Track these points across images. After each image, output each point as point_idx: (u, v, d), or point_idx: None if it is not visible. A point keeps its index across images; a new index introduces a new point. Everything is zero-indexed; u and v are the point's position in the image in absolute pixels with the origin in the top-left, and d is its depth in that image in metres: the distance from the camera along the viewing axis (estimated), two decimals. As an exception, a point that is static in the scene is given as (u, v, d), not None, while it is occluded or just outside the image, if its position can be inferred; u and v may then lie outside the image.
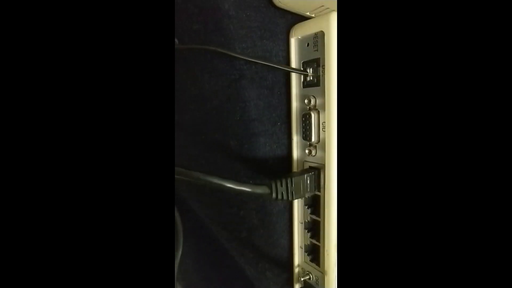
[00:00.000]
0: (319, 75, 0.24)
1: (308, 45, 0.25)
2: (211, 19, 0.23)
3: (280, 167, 0.28)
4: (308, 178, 0.25)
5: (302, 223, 0.29)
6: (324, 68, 0.24)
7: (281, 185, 0.23)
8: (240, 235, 0.35)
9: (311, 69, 0.25)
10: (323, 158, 0.25)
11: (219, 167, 0.32)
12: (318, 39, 0.24)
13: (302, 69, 0.26)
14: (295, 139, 0.28)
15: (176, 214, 0.46)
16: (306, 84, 0.26)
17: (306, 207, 0.28)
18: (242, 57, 0.23)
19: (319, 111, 0.25)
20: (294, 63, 0.26)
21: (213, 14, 0.23)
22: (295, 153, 0.28)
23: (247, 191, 0.22)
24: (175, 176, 0.20)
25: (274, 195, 0.23)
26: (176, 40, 0.25)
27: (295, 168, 0.28)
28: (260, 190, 0.22)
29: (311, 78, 0.25)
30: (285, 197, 0.23)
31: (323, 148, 0.25)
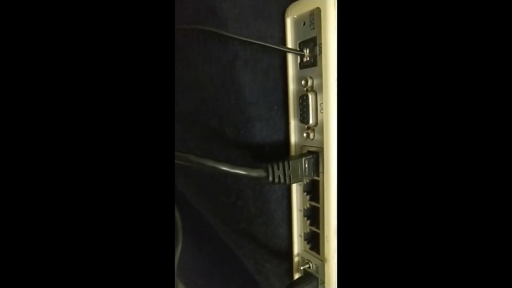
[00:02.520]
0: (316, 55, 0.24)
1: (304, 24, 0.24)
2: (204, 2, 0.23)
3: (277, 152, 0.27)
4: (306, 161, 0.24)
5: (301, 210, 0.28)
6: (321, 47, 0.23)
7: (278, 168, 0.22)
8: (238, 226, 0.34)
9: (307, 49, 0.24)
10: (322, 142, 0.24)
11: (216, 155, 0.31)
12: (315, 17, 0.23)
13: (298, 49, 0.25)
14: (293, 123, 0.27)
15: (175, 209, 0.45)
16: (302, 65, 0.25)
17: (305, 193, 0.27)
18: (236, 36, 0.22)
19: (316, 92, 0.24)
20: (290, 44, 0.25)
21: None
22: (293, 138, 0.27)
23: (242, 174, 0.21)
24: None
25: (270, 178, 0.22)
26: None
27: (293, 153, 0.27)
28: (256, 173, 0.21)
29: (308, 59, 0.24)
30: (282, 181, 0.22)
31: (321, 131, 0.24)
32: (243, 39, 0.23)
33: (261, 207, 0.29)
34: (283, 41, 0.26)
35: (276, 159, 0.23)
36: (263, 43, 0.23)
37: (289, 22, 0.25)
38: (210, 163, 0.20)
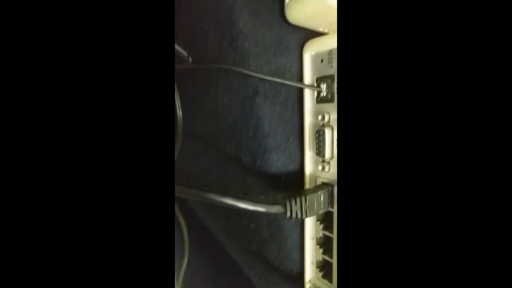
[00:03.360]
0: (334, 92, 0.24)
1: (322, 61, 0.25)
2: (227, 36, 0.23)
3: (292, 182, 0.28)
4: (322, 195, 0.25)
5: (314, 238, 0.28)
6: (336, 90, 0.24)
7: (295, 204, 0.23)
8: (250, 248, 0.35)
9: (325, 85, 0.25)
10: (336, 174, 0.25)
11: (230, 179, 0.31)
12: (333, 55, 0.24)
13: (315, 84, 0.26)
14: (308, 154, 0.27)
15: (183, 223, 0.46)
16: (319, 100, 0.26)
17: (319, 222, 0.28)
18: (256, 75, 0.23)
19: (332, 128, 0.25)
20: (307, 79, 0.26)
21: (228, 32, 0.23)
22: (308, 168, 0.28)
23: (262, 211, 0.21)
24: (190, 196, 0.20)
25: (288, 214, 0.23)
26: (189, 58, 0.25)
27: (307, 184, 0.28)
28: (274, 210, 0.22)
29: (325, 94, 0.25)
30: (299, 216, 0.23)
31: (336, 164, 0.25)
32: (263, 77, 0.23)
33: (274, 233, 0.30)
34: (301, 75, 0.26)
35: (293, 194, 0.23)
36: (282, 81, 0.24)
37: (307, 58, 0.26)
38: (231, 201, 0.20)
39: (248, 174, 0.29)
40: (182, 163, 0.36)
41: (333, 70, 0.24)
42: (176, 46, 0.24)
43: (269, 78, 0.23)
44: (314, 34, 0.26)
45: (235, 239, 0.38)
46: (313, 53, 0.26)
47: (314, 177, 0.27)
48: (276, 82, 0.25)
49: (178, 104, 0.33)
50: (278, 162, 0.27)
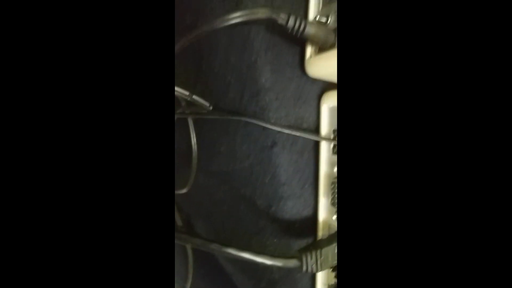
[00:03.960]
0: (350, 146, 0.25)
1: (339, 114, 0.26)
2: (248, 90, 0.24)
3: (306, 228, 0.28)
4: (336, 247, 0.25)
5: (326, 285, 0.29)
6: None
7: (311, 258, 0.23)
8: (259, 285, 0.35)
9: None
10: (351, 226, 0.25)
11: (242, 217, 0.32)
12: (351, 112, 0.25)
13: (332, 136, 0.26)
14: (322, 201, 0.28)
15: (189, 251, 0.46)
16: (335, 151, 0.26)
17: (331, 270, 0.28)
18: (275, 128, 0.24)
19: (348, 180, 0.25)
20: (324, 129, 0.27)
21: (250, 86, 0.24)
22: (321, 216, 0.28)
23: (279, 266, 0.22)
24: (210, 250, 0.21)
25: (304, 268, 0.23)
26: (210, 107, 0.25)
27: (320, 230, 0.28)
28: (291, 264, 0.22)
29: (342, 146, 0.26)
30: (314, 270, 0.23)
31: (351, 217, 0.25)
32: (282, 130, 0.24)
33: (285, 276, 0.30)
34: (318, 124, 0.27)
35: (308, 247, 0.24)
36: (299, 134, 0.25)
37: (324, 109, 0.27)
38: (249, 255, 0.21)
39: (262, 217, 0.29)
40: (194, 195, 0.37)
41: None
42: (195, 97, 0.25)
43: (287, 131, 0.24)
44: (333, 84, 0.27)
45: (243, 273, 0.38)
46: (330, 106, 0.26)
47: (327, 224, 0.28)
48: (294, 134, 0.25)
49: (193, 141, 0.33)
50: (292, 209, 0.27)
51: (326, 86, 0.27)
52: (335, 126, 0.26)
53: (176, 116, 0.27)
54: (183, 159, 0.34)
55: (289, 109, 0.25)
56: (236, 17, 0.18)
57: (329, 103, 0.26)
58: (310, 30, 0.21)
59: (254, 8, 0.18)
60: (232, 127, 0.26)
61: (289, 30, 0.20)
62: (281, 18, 0.20)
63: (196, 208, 0.39)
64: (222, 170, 0.31)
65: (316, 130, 0.27)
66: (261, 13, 0.19)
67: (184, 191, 0.37)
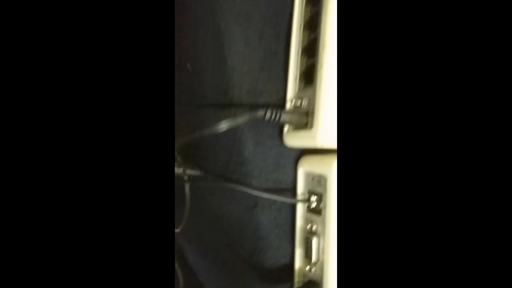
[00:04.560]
0: (321, 208, 0.29)
1: (313, 179, 0.30)
2: (234, 160, 0.28)
3: (283, 275, 0.32)
4: (309, 295, 0.29)
5: (300, 327, 0.32)
6: (325, 204, 0.28)
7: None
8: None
9: (315, 198, 0.30)
10: (321, 277, 0.29)
11: (225, 259, 0.36)
12: (321, 179, 0.29)
13: (307, 196, 0.30)
14: (298, 252, 0.32)
15: (180, 276, 0.49)
16: (309, 210, 0.30)
17: (305, 314, 0.31)
18: (256, 193, 0.28)
19: (319, 236, 0.29)
20: (300, 189, 0.31)
21: (235, 157, 0.28)
22: (297, 265, 0.32)
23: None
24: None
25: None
26: (201, 173, 0.29)
27: (296, 277, 0.32)
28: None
29: (314, 206, 0.30)
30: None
31: (322, 269, 0.29)
32: (262, 195, 0.28)
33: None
34: (294, 185, 0.31)
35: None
36: (278, 198, 0.29)
37: (300, 172, 0.31)
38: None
39: (244, 263, 0.33)
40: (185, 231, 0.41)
41: (322, 189, 0.29)
42: (189, 171, 0.29)
43: (267, 195, 0.28)
44: (308, 150, 0.31)
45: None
46: (306, 170, 0.30)
47: (302, 273, 0.31)
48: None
49: (187, 189, 0.37)
50: (271, 258, 0.31)
51: (302, 152, 0.31)
52: (309, 187, 0.30)
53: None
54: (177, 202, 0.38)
55: (269, 175, 0.29)
56: (222, 127, 0.22)
57: (305, 167, 0.30)
58: (285, 118, 0.25)
59: (237, 117, 0.23)
60: (219, 189, 0.30)
61: (268, 121, 0.24)
62: (260, 114, 0.24)
63: (187, 245, 0.43)
64: (210, 220, 0.34)
65: (293, 189, 0.31)
66: (242, 120, 0.23)
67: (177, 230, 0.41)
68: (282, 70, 0.29)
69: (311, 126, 0.26)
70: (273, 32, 0.29)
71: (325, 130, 0.25)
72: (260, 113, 0.24)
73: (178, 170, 0.28)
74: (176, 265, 0.47)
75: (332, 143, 0.26)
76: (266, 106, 0.24)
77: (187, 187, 0.30)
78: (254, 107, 0.27)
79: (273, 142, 0.29)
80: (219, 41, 0.27)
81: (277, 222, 0.31)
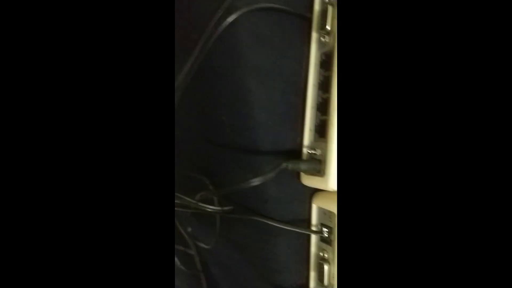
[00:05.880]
0: (332, 239, 0.34)
1: (325, 214, 0.35)
2: (260, 198, 0.34)
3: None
4: (321, 314, 0.34)
5: None
6: (334, 239, 0.33)
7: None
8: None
9: (326, 230, 0.35)
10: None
11: (246, 279, 0.41)
12: (331, 216, 0.34)
13: (320, 227, 0.35)
14: (312, 275, 0.37)
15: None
16: (322, 239, 0.35)
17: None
18: (278, 225, 0.33)
19: (330, 263, 0.34)
20: (314, 221, 0.36)
21: (261, 195, 0.34)
22: (312, 286, 0.37)
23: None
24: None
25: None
26: (232, 207, 0.35)
27: (310, 297, 0.37)
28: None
29: (325, 237, 0.35)
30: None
31: (332, 291, 0.34)
32: (283, 226, 0.33)
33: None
34: (309, 219, 0.36)
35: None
36: (293, 229, 0.34)
37: (314, 207, 0.36)
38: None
39: (264, 282, 0.38)
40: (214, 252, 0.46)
41: (331, 224, 0.34)
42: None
43: (287, 227, 0.34)
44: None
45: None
46: (319, 206, 0.36)
47: (316, 293, 0.37)
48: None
49: (218, 219, 0.43)
50: (288, 281, 0.37)
51: (316, 189, 0.36)
52: (322, 221, 0.35)
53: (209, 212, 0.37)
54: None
55: (289, 208, 0.35)
56: (255, 182, 0.28)
57: (318, 203, 0.36)
58: (303, 167, 0.31)
59: (266, 174, 0.28)
60: (245, 221, 0.36)
61: (287, 172, 0.30)
62: (283, 167, 0.29)
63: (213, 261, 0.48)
64: (236, 244, 0.40)
65: (309, 220, 0.36)
66: (271, 175, 0.29)
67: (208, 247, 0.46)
68: (300, 121, 0.34)
69: (324, 174, 0.31)
70: (293, 88, 0.34)
71: (335, 177, 0.31)
72: (283, 166, 0.29)
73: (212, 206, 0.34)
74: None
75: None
76: (287, 157, 0.30)
77: (218, 217, 0.36)
78: (277, 155, 0.33)
79: (292, 181, 0.35)
80: (248, 99, 0.33)
81: (295, 248, 0.36)
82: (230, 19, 0.30)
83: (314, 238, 0.36)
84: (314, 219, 0.36)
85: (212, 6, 0.31)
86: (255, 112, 0.32)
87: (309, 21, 0.34)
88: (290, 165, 0.30)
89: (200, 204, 0.30)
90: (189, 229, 0.48)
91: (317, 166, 0.32)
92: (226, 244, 0.42)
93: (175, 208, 0.34)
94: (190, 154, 0.40)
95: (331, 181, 0.31)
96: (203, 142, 0.38)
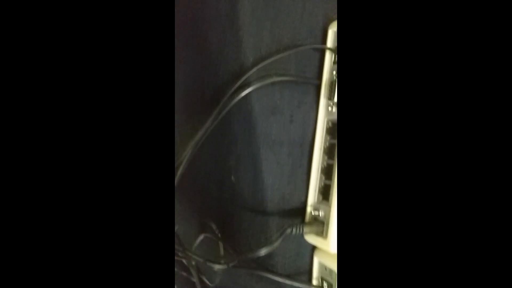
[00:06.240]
0: (331, 294, 0.36)
1: (326, 269, 0.37)
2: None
3: None
4: None
5: None
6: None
7: None
8: None
9: (326, 284, 0.37)
10: None
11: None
12: (332, 272, 0.36)
13: (320, 283, 0.38)
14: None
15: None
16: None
17: None
18: (279, 279, 0.35)
19: (329, 316, 0.36)
20: (315, 274, 0.38)
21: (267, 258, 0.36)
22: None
23: None
24: None
25: None
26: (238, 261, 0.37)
27: None
28: None
29: (326, 291, 0.37)
30: None
31: None
32: (284, 281, 0.36)
33: None
34: (311, 270, 0.38)
35: None
36: (299, 284, 0.36)
37: (316, 261, 0.38)
38: None
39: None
40: None
41: (331, 280, 0.36)
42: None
43: (289, 282, 0.36)
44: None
45: None
46: (320, 261, 0.38)
47: None
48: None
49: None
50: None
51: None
52: (322, 275, 0.38)
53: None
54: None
55: (292, 264, 0.37)
56: (262, 252, 0.30)
57: (320, 258, 0.38)
58: (306, 230, 0.33)
59: (273, 243, 0.31)
60: (250, 274, 0.38)
61: (291, 235, 0.32)
62: (288, 232, 0.32)
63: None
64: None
65: (310, 272, 0.39)
66: (277, 244, 0.31)
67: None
68: (305, 181, 0.37)
69: (326, 236, 0.33)
70: (299, 150, 0.37)
71: (336, 241, 0.33)
72: (288, 231, 0.32)
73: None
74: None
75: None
76: (292, 218, 0.32)
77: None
78: (282, 215, 0.35)
79: (296, 236, 0.37)
80: (257, 163, 0.35)
81: None
82: (244, 93, 0.32)
83: (315, 292, 0.39)
84: (315, 272, 0.38)
85: (228, 78, 0.33)
86: (264, 175, 0.35)
87: (318, 87, 0.36)
88: (294, 230, 0.32)
89: (208, 263, 0.33)
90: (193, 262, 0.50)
91: (320, 228, 0.34)
92: (231, 285, 0.44)
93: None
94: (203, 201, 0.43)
95: (332, 244, 0.33)
96: (215, 194, 0.40)
